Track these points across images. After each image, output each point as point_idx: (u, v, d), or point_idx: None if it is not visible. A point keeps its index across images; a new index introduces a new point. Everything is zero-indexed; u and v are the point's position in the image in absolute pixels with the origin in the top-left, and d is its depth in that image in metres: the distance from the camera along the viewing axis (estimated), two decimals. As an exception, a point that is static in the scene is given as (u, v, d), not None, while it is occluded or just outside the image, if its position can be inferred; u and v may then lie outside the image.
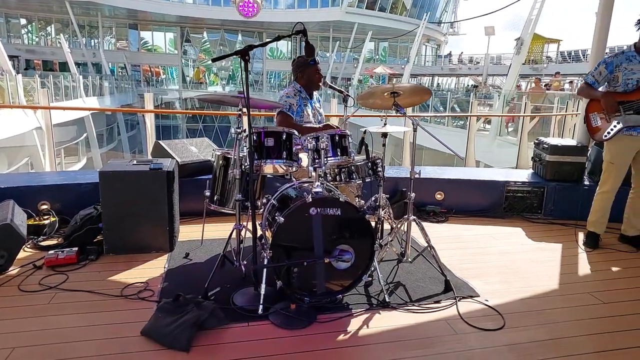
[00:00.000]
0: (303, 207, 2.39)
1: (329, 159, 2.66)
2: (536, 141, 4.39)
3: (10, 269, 2.82)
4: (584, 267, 3.12)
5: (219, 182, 2.94)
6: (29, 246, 3.18)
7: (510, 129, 11.33)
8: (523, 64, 14.49)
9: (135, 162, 3.28)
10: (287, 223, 2.38)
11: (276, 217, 2.44)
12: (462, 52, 34.44)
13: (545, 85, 13.60)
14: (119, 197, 3.03)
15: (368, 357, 2.09)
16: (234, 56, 2.26)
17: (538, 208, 4.09)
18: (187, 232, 3.50)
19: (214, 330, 2.23)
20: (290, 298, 2.43)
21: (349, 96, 3.26)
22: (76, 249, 2.99)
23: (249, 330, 2.26)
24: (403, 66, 27.39)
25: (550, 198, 4.05)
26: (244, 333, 2.24)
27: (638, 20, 3.21)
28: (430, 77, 33.26)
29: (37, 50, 32.12)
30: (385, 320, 2.38)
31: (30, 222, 3.33)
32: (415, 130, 2.68)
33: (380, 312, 2.46)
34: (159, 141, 3.91)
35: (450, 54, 34.56)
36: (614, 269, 3.10)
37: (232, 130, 2.63)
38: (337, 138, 2.71)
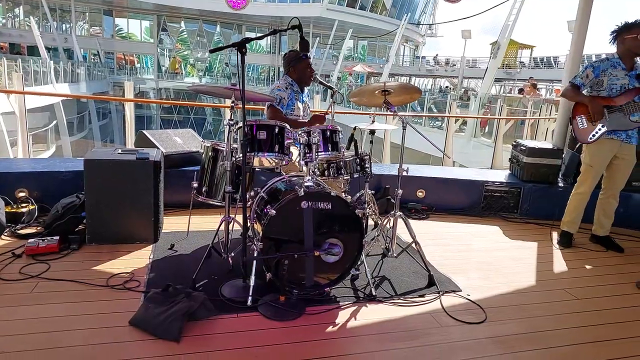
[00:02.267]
0: (295, 200, 2.42)
1: (320, 153, 2.69)
2: (514, 143, 4.55)
3: (-12, 257, 2.74)
4: (558, 264, 3.26)
5: (207, 174, 2.93)
6: (6, 234, 3.09)
7: (485, 131, 11.64)
8: (498, 68, 14.92)
9: (120, 151, 3.22)
10: (278, 216, 2.40)
11: (266, 210, 2.46)
12: (437, 54, 34.99)
13: (519, 91, 14.04)
14: (104, 186, 2.98)
15: (356, 348, 2.14)
16: (231, 48, 2.25)
17: (515, 208, 4.24)
18: (172, 224, 3.46)
19: (204, 321, 2.23)
20: (279, 290, 2.45)
21: (338, 92, 3.30)
22: (57, 237, 2.93)
23: (239, 321, 2.27)
24: (382, 65, 27.66)
25: (526, 198, 4.21)
26: (233, 324, 2.25)
27: (611, 33, 3.37)
28: (408, 77, 33.68)
29: (4, 32, 30.75)
30: (372, 313, 2.43)
31: (7, 210, 3.24)
32: (404, 128, 2.74)
33: (367, 305, 2.51)
34: (143, 131, 3.85)
35: (424, 57, 35.11)
36: (587, 267, 3.25)
37: (225, 122, 2.62)
38: (328, 133, 2.74)
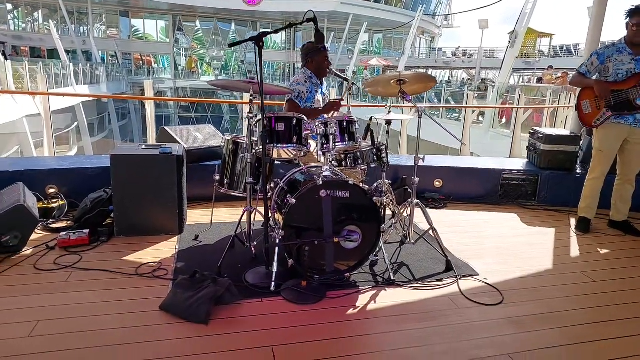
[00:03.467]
0: (314, 189, 2.50)
1: (337, 144, 2.77)
2: (531, 131, 4.54)
3: (24, 249, 2.89)
4: (575, 249, 3.28)
5: (229, 167, 3.04)
6: (39, 228, 3.24)
7: (502, 122, 11.53)
8: (516, 57, 14.69)
9: (144, 146, 3.35)
10: (298, 204, 2.49)
11: (287, 200, 2.55)
12: (459, 47, 34.44)
13: (538, 80, 13.86)
14: (130, 181, 3.11)
15: (376, 329, 2.22)
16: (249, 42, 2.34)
17: (532, 195, 4.24)
18: (195, 216, 3.59)
19: (230, 305, 2.34)
20: (300, 276, 2.54)
21: (354, 84, 3.36)
22: (87, 230, 3.08)
23: (263, 305, 2.38)
24: (397, 58, 27.46)
25: (544, 186, 4.21)
26: (258, 308, 2.35)
27: (627, 11, 3.34)
28: (425, 70, 33.42)
29: (25, 37, 31.55)
30: (391, 297, 2.51)
31: (39, 205, 3.40)
32: (420, 117, 2.79)
33: (386, 289, 2.59)
34: (165, 127, 3.98)
35: (441, 49, 34.70)
36: (603, 251, 3.26)
37: (244, 115, 2.71)
38: (344, 124, 2.82)
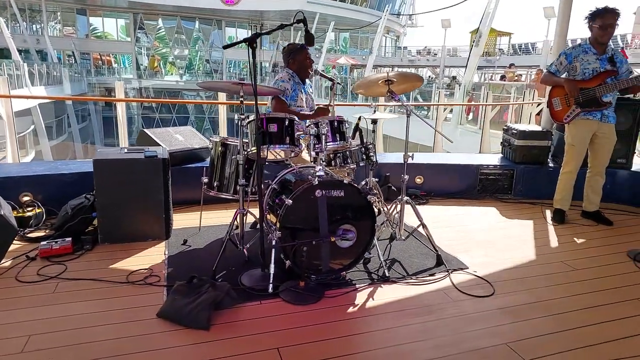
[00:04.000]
0: (310, 189, 2.51)
1: (329, 143, 2.79)
2: (505, 127, 4.71)
3: (2, 261, 2.76)
4: (554, 240, 3.43)
5: (218, 169, 2.99)
6: (16, 239, 3.10)
7: (469, 118, 11.87)
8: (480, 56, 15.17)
9: (126, 150, 3.26)
10: (294, 205, 2.49)
11: (280, 200, 2.54)
12: (425, 47, 34.77)
13: (501, 77, 14.36)
14: (114, 186, 3.02)
15: (376, 325, 2.25)
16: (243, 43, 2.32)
17: (508, 189, 4.40)
18: (180, 220, 3.52)
19: (229, 310, 2.31)
20: (296, 277, 2.54)
21: (339, 84, 3.39)
22: (69, 239, 2.96)
23: (262, 308, 2.36)
24: (364, 57, 27.69)
25: (519, 179, 4.38)
26: (258, 311, 2.34)
27: (586, 17, 3.54)
28: (391, 68, 33.83)
29: (-30, 35, 29.81)
30: (388, 293, 2.55)
31: (14, 214, 3.25)
32: (408, 116, 2.85)
33: (382, 285, 2.62)
34: (144, 130, 3.88)
35: (406, 47, 35.18)
36: (580, 240, 3.43)
37: (236, 116, 2.69)
38: (335, 124, 2.84)
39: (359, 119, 3.04)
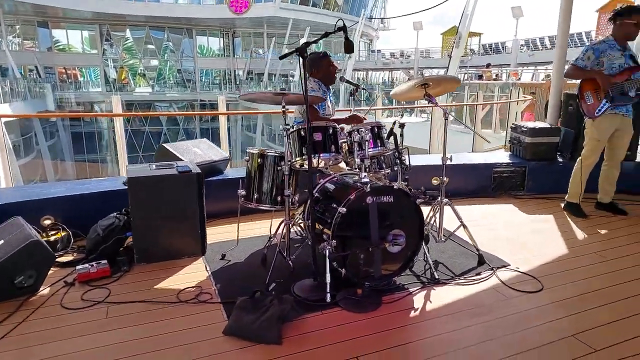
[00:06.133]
0: (362, 196, 2.52)
1: (370, 150, 2.81)
2: (513, 125, 4.84)
3: (41, 289, 2.65)
4: (579, 233, 3.54)
5: (255, 180, 2.96)
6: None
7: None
8: (449, 57, 15.50)
9: (154, 166, 3.19)
10: (347, 213, 2.49)
11: (334, 208, 2.54)
12: (400, 50, 35.05)
13: (479, 77, 14.75)
14: (149, 203, 2.95)
15: (442, 328, 2.27)
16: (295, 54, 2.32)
17: (521, 186, 4.53)
18: (211, 235, 3.44)
19: (294, 322, 2.29)
20: (347, 285, 2.54)
21: (364, 89, 3.42)
22: (105, 261, 2.87)
23: (325, 318, 2.35)
24: (338, 62, 27.77)
25: (531, 176, 4.50)
26: (321, 321, 2.32)
27: (617, 12, 3.65)
28: (365, 72, 34.20)
29: None
30: (442, 295, 2.58)
31: (39, 239, 3.12)
32: (446, 118, 2.90)
33: (434, 288, 2.66)
34: (164, 144, 3.81)
35: (379, 51, 35.57)
36: (603, 231, 3.56)
37: (281, 127, 2.67)
38: (375, 130, 2.86)
39: (394, 123, 3.07)
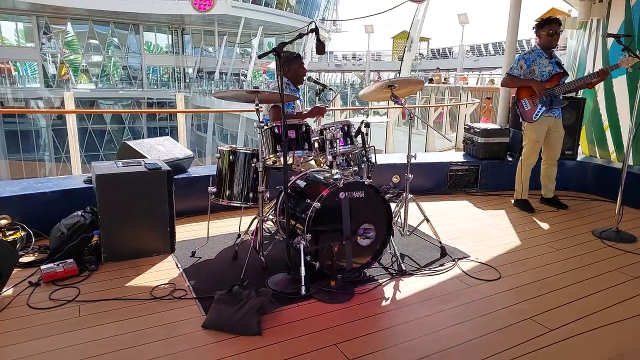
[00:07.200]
0: (335, 192, 2.62)
1: (340, 147, 2.91)
2: (466, 126, 5.14)
3: (4, 290, 2.53)
4: (529, 225, 3.84)
5: (227, 177, 2.97)
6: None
7: (405, 121, 12.57)
8: (399, 60, 16.10)
9: (121, 164, 3.12)
10: (321, 208, 2.58)
11: (309, 204, 2.62)
12: (354, 54, 35.42)
13: (429, 80, 15.37)
14: (118, 201, 2.89)
15: (415, 314, 2.41)
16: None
17: (474, 183, 4.82)
18: (179, 232, 3.41)
19: (271, 314, 2.35)
20: (320, 278, 2.63)
21: (332, 90, 3.53)
22: (71, 260, 2.78)
23: (302, 309, 2.43)
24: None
25: (484, 174, 4.81)
26: (298, 312, 2.40)
27: (533, 26, 4.05)
28: (318, 73, 34.41)
29: None
30: (410, 285, 2.73)
31: (-5, 239, 2.97)
32: (411, 118, 3.07)
33: (402, 278, 2.80)
34: (127, 142, 3.72)
35: (332, 52, 35.96)
36: (548, 225, 3.87)
37: (255, 123, 2.72)
38: (345, 128, 2.97)
39: (361, 122, 3.19)
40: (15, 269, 2.78)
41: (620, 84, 4.81)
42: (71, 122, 5.43)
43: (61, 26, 31.09)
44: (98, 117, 31.36)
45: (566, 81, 3.96)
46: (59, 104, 30.57)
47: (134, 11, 27.60)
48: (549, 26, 3.90)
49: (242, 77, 29.42)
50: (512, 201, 4.37)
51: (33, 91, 29.93)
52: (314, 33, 2.68)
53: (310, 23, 2.73)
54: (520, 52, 4.52)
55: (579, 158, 4.97)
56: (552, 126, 4.07)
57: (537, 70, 3.97)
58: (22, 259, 2.92)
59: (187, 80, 33.20)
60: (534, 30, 4.04)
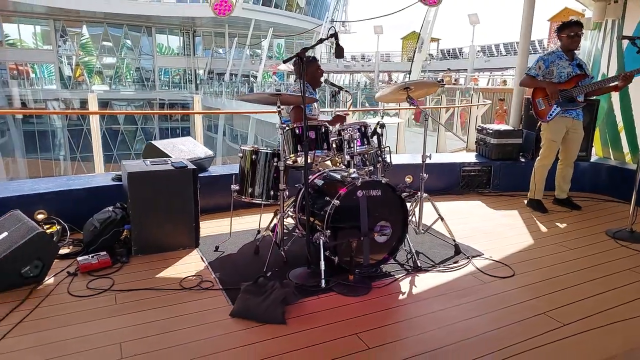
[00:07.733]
0: (353, 190, 2.75)
1: (358, 147, 3.05)
2: (478, 128, 5.23)
3: (46, 279, 2.70)
4: (542, 226, 3.92)
5: (249, 176, 3.11)
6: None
7: (417, 123, 12.66)
8: (409, 61, 16.14)
9: (149, 162, 3.29)
10: (340, 205, 2.71)
11: (328, 201, 2.75)
12: (362, 54, 35.35)
13: (440, 81, 15.39)
14: (147, 198, 3.06)
15: (428, 308, 2.52)
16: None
17: (487, 184, 4.91)
18: (202, 228, 3.56)
19: (294, 305, 2.48)
20: (339, 272, 2.75)
21: (348, 92, 3.67)
22: (105, 252, 2.95)
23: (322, 301, 2.56)
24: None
25: (496, 174, 4.90)
26: (320, 304, 2.53)
27: (556, 29, 4.13)
28: (327, 74, 34.45)
29: None
30: (425, 280, 2.84)
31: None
32: (426, 119, 3.18)
33: (418, 274, 2.92)
34: (152, 142, 3.90)
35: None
36: (562, 225, 3.95)
37: (277, 124, 2.86)
38: (362, 129, 3.10)
39: (377, 124, 3.32)
40: (55, 260, 2.98)
41: (635, 85, 4.86)
42: (94, 123, 5.63)
43: (77, 29, 31.66)
44: (111, 118, 31.86)
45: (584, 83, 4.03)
46: (77, 105, 31.17)
47: (145, 14, 27.99)
48: (569, 29, 3.98)
49: (251, 79, 29.65)
50: (525, 201, 4.45)
51: (52, 92, 30.51)
52: (333, 38, 2.82)
53: (330, 28, 2.87)
54: (532, 52, 4.63)
55: (592, 159, 5.03)
56: (570, 127, 4.13)
57: (555, 71, 4.05)
58: (60, 251, 3.09)
59: (198, 82, 33.60)
60: (556, 33, 4.13)
